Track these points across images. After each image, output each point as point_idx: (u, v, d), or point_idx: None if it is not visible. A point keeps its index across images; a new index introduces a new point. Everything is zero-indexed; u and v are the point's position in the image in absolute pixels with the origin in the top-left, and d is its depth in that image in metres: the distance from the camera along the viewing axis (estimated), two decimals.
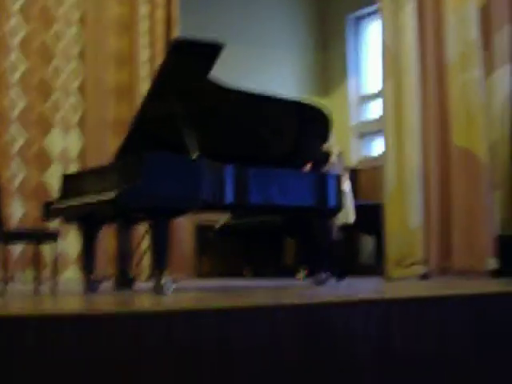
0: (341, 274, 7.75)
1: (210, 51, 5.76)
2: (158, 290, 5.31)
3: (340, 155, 8.30)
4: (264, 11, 11.59)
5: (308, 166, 7.56)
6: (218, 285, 7.45)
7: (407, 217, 7.99)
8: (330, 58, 12.22)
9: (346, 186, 8.01)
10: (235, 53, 10.12)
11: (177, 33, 8.34)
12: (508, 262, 8.12)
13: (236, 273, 9.87)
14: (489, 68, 8.65)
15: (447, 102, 8.35)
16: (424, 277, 7.88)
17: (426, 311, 4.32)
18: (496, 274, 8.04)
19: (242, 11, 11.33)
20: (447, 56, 8.37)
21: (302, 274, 9.03)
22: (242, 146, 6.45)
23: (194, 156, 5.65)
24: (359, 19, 12.04)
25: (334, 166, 8.02)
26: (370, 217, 8.92)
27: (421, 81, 8.21)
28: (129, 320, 3.42)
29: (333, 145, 8.10)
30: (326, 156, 8.01)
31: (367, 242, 10.59)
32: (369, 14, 11.54)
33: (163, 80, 5.83)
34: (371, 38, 11.62)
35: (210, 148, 5.91)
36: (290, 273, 9.48)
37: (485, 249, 8.17)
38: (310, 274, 7.84)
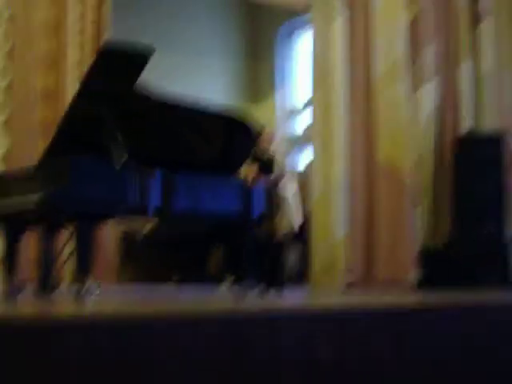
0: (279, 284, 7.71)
1: (140, 56, 5.73)
2: (81, 295, 5.25)
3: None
4: (196, 18, 11.59)
5: (254, 172, 7.60)
6: (142, 291, 7.40)
7: (332, 226, 8.05)
8: (260, 67, 12.27)
9: (289, 190, 7.83)
10: (166, 58, 10.07)
11: (107, 36, 8.26)
12: (429, 274, 8.27)
13: (161, 280, 9.80)
14: (416, 83, 8.80)
15: (374, 115, 8.46)
16: (349, 285, 7.94)
17: (348, 322, 4.35)
18: (418, 285, 8.18)
19: (174, 17, 11.31)
20: (376, 69, 8.48)
21: (227, 282, 9.02)
22: (169, 152, 6.41)
23: (122, 160, 5.60)
24: (290, 30, 12.11)
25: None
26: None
27: (349, 93, 8.29)
28: (49, 326, 3.37)
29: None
30: (270, 162, 7.92)
31: (293, 250, 10.62)
32: (300, 26, 11.60)
33: (91, 82, 5.75)
34: (302, 50, 11.70)
35: (138, 153, 5.87)
36: (216, 281, 9.47)
37: (408, 262, 8.30)
38: (236, 282, 7.81)
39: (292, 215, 7.79)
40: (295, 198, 7.96)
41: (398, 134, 8.46)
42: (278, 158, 8.03)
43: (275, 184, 7.62)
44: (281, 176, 7.87)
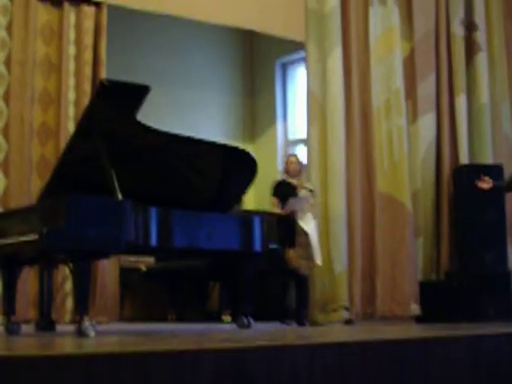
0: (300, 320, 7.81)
1: (136, 93, 5.76)
2: (80, 333, 5.23)
3: (312, 192, 7.94)
4: (193, 54, 11.62)
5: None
6: (141, 329, 7.37)
7: (332, 261, 7.99)
8: (258, 102, 12.29)
9: (312, 226, 7.78)
10: (163, 95, 10.15)
11: (104, 74, 8.30)
12: (429, 308, 8.23)
13: (160, 317, 9.76)
14: (412, 116, 8.84)
15: (372, 148, 8.48)
16: (348, 322, 7.89)
17: (348, 356, 4.33)
18: (418, 319, 8.14)
19: (171, 53, 11.34)
20: (372, 103, 8.52)
21: (227, 318, 9.00)
22: (167, 188, 6.42)
23: (119, 198, 5.61)
24: (288, 64, 12.17)
25: (302, 200, 7.83)
26: None
27: (346, 127, 8.29)
28: (49, 363, 3.35)
29: (304, 181, 8.08)
30: (293, 190, 8.00)
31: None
32: (297, 60, 11.64)
33: (89, 121, 5.80)
34: (299, 84, 11.75)
35: (135, 190, 5.88)
36: (215, 317, 9.44)
37: (408, 295, 8.27)
38: (235, 318, 7.76)
39: (316, 250, 7.74)
40: (316, 233, 7.86)
41: (396, 166, 8.48)
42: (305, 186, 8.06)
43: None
44: (312, 209, 7.90)
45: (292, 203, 7.74)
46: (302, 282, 7.94)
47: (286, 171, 8.26)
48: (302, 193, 7.92)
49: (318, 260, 7.69)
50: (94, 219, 5.39)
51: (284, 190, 8.06)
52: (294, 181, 8.11)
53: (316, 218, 7.91)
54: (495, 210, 8.57)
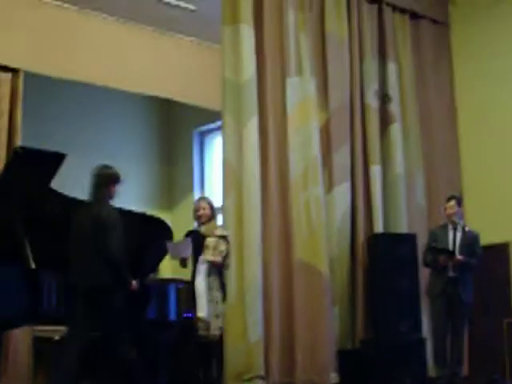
0: None
1: (52, 161, 5.72)
2: None
3: (224, 238, 7.33)
4: (110, 122, 11.55)
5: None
6: None
7: (247, 330, 7.89)
8: (175, 170, 12.25)
9: (201, 277, 7.10)
10: (79, 164, 10.01)
11: (19, 141, 8.22)
12: (347, 377, 8.23)
13: None
14: (328, 185, 8.93)
15: (289, 217, 8.48)
16: None
17: None
18: None
19: (89, 121, 11.22)
20: (290, 172, 8.55)
21: None
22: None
23: (31, 266, 5.51)
24: (206, 133, 12.21)
25: (183, 244, 7.14)
26: None
27: (263, 196, 8.29)
28: None
29: (216, 226, 7.43)
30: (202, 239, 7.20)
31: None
32: (215, 129, 11.67)
33: (3, 187, 5.72)
34: (217, 152, 11.78)
35: (49, 257, 5.80)
36: None
37: (327, 363, 8.25)
38: None
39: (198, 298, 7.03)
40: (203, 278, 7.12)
41: (314, 235, 8.51)
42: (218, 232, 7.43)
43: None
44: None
45: (171, 250, 7.17)
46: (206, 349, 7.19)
47: (196, 218, 7.47)
48: (210, 241, 7.20)
49: (201, 312, 6.92)
50: (5, 289, 5.28)
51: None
52: (202, 228, 7.34)
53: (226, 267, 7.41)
54: (409, 278, 8.66)
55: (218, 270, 7.14)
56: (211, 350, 7.19)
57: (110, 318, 5.86)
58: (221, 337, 7.22)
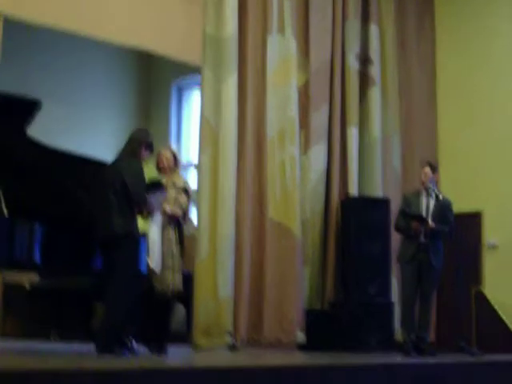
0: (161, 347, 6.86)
1: (28, 108, 5.66)
2: None
3: (184, 191, 7.04)
4: (88, 71, 11.48)
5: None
6: (21, 347, 7.19)
7: (217, 286, 7.91)
8: (152, 124, 12.21)
9: (154, 228, 6.76)
10: (54, 112, 9.95)
11: None
12: (313, 336, 8.30)
13: (43, 336, 9.53)
14: (305, 146, 8.92)
15: (264, 176, 8.48)
16: (232, 347, 7.84)
17: (231, 382, 4.31)
18: (302, 347, 8.19)
19: (67, 69, 11.17)
20: (267, 132, 8.54)
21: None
22: (57, 205, 6.31)
23: (4, 214, 5.48)
24: (184, 87, 12.15)
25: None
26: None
27: (238, 154, 8.27)
28: None
29: (177, 178, 7.10)
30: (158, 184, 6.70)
31: (178, 310, 10.49)
32: (194, 83, 11.60)
33: None
34: (195, 107, 11.73)
35: (24, 205, 5.76)
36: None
37: (294, 322, 8.31)
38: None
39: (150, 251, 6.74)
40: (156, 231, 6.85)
41: (287, 194, 8.53)
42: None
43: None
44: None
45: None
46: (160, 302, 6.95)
47: (158, 168, 7.15)
48: (171, 192, 6.92)
49: (152, 262, 6.65)
50: None
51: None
52: (164, 179, 6.95)
53: (188, 222, 7.44)
54: (380, 243, 8.71)
55: (176, 222, 6.98)
56: (169, 305, 7.08)
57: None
58: (179, 294, 7.04)
